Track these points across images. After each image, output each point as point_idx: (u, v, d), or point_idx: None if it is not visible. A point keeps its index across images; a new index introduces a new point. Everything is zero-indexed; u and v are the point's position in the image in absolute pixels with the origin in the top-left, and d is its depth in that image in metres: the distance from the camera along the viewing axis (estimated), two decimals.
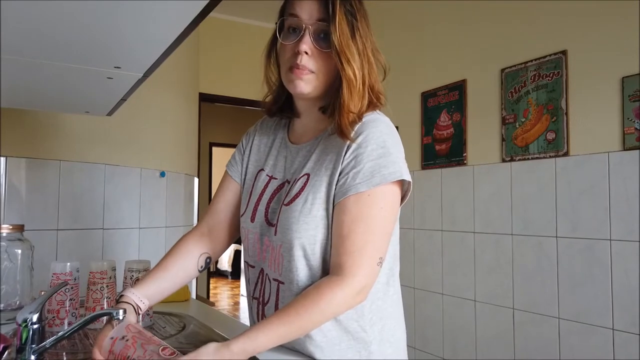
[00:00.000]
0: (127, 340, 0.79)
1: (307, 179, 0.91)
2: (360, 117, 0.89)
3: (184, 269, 1.03)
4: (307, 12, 0.89)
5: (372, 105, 0.92)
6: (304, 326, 0.82)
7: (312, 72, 0.90)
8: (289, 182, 0.96)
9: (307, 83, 0.90)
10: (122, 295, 0.94)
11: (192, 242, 1.06)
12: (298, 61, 0.88)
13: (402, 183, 0.90)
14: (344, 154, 0.88)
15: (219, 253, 1.11)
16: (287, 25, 0.92)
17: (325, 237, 0.89)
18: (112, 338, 0.81)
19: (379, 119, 0.91)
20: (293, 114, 1.02)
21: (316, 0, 0.89)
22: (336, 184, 0.88)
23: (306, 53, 0.88)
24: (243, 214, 1.03)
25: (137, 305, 0.92)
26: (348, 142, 0.88)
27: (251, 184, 1.04)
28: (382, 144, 0.87)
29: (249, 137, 1.11)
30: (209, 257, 1.07)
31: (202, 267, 1.06)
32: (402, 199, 0.92)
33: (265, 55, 0.99)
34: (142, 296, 0.94)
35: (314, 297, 0.82)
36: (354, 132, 0.88)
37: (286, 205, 0.92)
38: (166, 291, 1.00)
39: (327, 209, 0.88)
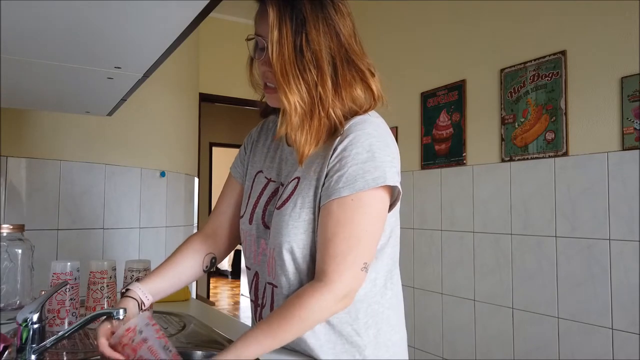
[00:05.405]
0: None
1: (298, 183, 0.91)
2: (341, 125, 0.86)
3: (189, 268, 1.04)
4: (263, 29, 0.85)
5: (354, 111, 0.88)
6: (287, 336, 0.82)
7: None
8: (282, 185, 0.96)
9: (277, 100, 0.88)
10: (127, 290, 0.95)
11: (197, 242, 1.07)
12: (264, 80, 0.90)
13: (391, 188, 0.87)
14: (330, 156, 0.86)
15: (225, 254, 1.11)
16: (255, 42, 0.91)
17: (314, 241, 0.88)
18: (127, 329, 0.81)
19: (368, 121, 0.87)
20: None
21: (267, 15, 0.84)
22: (322, 187, 0.87)
23: (269, 72, 0.87)
24: (242, 215, 1.03)
25: (141, 300, 0.93)
26: (335, 144, 0.86)
27: (250, 186, 1.04)
28: (368, 148, 0.84)
29: (250, 138, 1.11)
30: (215, 257, 1.08)
31: (207, 266, 1.07)
32: (393, 204, 0.90)
33: (247, 66, 0.97)
34: (147, 292, 0.95)
35: (297, 305, 0.82)
36: (341, 135, 0.86)
37: (277, 209, 0.91)
38: (170, 288, 1.01)
39: (315, 213, 0.88)
